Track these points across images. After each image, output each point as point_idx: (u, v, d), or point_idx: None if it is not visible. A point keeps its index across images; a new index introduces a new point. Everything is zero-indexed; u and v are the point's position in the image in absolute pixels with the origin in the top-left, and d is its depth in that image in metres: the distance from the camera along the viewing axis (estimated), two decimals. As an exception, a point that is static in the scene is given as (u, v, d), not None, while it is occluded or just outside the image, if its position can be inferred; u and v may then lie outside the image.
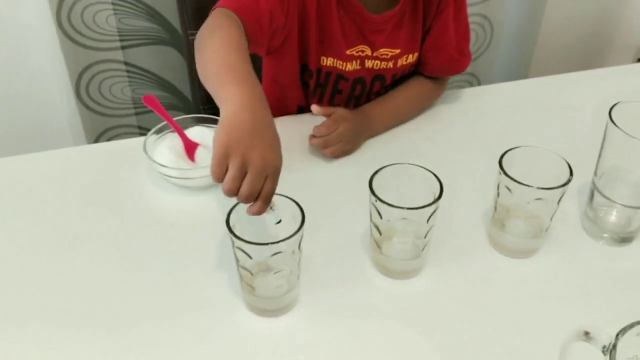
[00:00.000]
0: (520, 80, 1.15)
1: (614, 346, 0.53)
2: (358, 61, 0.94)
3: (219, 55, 0.73)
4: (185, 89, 1.58)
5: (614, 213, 0.79)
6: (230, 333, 0.67)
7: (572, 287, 0.74)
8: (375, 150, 0.94)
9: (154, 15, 1.43)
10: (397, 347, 0.66)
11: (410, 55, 0.96)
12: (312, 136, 0.91)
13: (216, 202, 0.82)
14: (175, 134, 0.88)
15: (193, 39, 1.17)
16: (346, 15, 0.91)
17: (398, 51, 0.94)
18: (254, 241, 0.62)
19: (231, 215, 0.64)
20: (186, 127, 0.89)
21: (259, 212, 0.63)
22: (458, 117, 1.02)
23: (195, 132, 0.89)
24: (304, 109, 1.02)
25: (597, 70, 1.18)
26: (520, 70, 1.79)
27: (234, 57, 0.72)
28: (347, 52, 0.93)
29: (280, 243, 0.61)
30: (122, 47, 1.46)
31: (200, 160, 0.86)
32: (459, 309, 0.71)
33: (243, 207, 0.64)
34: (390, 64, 0.95)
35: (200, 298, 0.71)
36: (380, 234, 0.71)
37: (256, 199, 0.62)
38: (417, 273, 0.74)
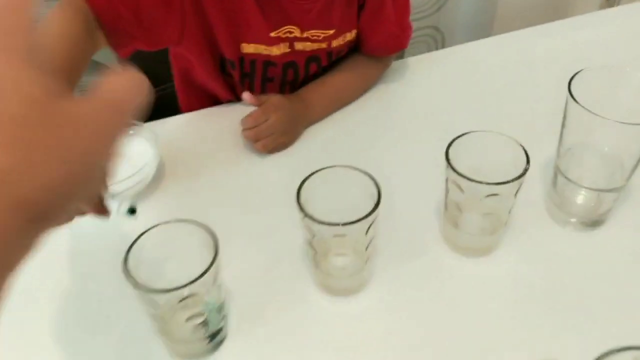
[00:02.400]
0: (480, 40, 1.04)
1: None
2: (287, 44, 0.83)
3: None
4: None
5: (581, 195, 0.70)
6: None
7: (539, 284, 0.65)
8: (316, 141, 0.84)
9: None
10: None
11: (348, 34, 0.85)
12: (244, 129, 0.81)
13: (141, 218, 0.72)
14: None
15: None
16: None
17: (332, 32, 0.83)
18: (159, 280, 0.52)
19: (129, 257, 0.54)
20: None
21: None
22: (406, 91, 0.92)
23: None
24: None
25: (564, 21, 1.07)
26: (484, 20, 1.68)
27: None
28: (272, 34, 0.81)
29: (190, 285, 0.52)
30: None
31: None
32: (414, 320, 0.62)
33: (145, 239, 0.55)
34: (324, 45, 0.84)
35: (120, 339, 0.62)
36: (315, 251, 0.62)
37: None
38: (362, 287, 0.65)
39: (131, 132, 0.79)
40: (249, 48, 0.82)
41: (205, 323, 0.58)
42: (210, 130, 0.86)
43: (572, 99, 0.63)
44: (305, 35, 0.82)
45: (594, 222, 0.71)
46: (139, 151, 0.76)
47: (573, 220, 0.71)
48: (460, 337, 0.61)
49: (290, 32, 0.82)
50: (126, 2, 0.72)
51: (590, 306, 0.63)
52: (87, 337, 0.62)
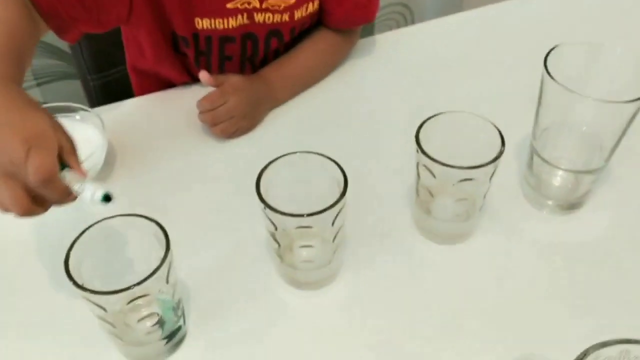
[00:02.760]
0: (448, 15, 1.00)
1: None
2: (245, 15, 0.77)
3: None
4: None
5: (559, 177, 0.67)
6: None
7: (516, 271, 0.62)
8: (279, 124, 0.79)
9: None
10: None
11: (310, 4, 0.80)
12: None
13: (87, 214, 0.67)
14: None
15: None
16: None
17: (293, 1, 0.78)
18: (104, 281, 0.47)
19: (72, 254, 0.49)
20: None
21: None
22: (374, 71, 0.88)
23: None
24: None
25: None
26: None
27: None
28: (229, 5, 0.75)
29: (140, 286, 0.47)
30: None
31: (61, 161, 0.70)
32: (386, 312, 0.59)
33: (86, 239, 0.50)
34: (286, 17, 0.79)
35: (70, 340, 0.57)
36: (278, 244, 0.57)
37: None
38: (331, 280, 0.61)
39: (77, 117, 0.73)
40: (203, 23, 0.76)
41: (160, 323, 0.53)
42: (163, 115, 0.81)
43: (548, 76, 0.59)
44: (264, 5, 0.77)
45: (571, 205, 0.68)
46: (85, 138, 0.70)
47: (550, 203, 0.68)
48: (435, 328, 0.57)
49: (249, 3, 0.76)
50: None
51: (568, 293, 0.60)
52: (30, 343, 0.57)
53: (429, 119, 0.60)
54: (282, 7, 0.77)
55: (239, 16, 0.77)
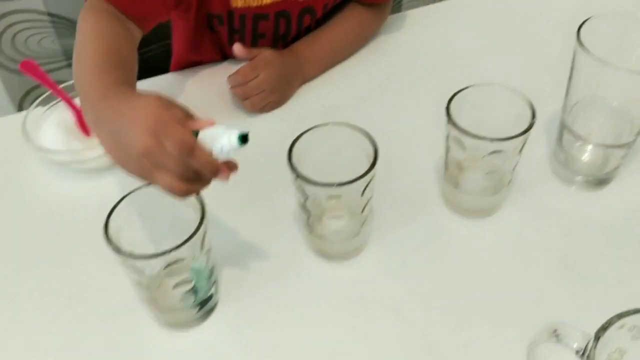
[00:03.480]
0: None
1: (594, 347, 0.42)
2: None
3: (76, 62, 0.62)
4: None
5: (588, 152, 0.67)
6: (137, 343, 0.56)
7: (543, 246, 0.62)
8: (309, 98, 0.80)
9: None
10: (346, 336, 0.55)
11: None
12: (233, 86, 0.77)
13: (125, 184, 0.69)
14: (64, 105, 0.73)
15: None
16: None
17: None
18: (144, 246, 0.49)
19: (111, 221, 0.51)
20: (76, 95, 0.74)
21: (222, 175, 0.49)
22: (405, 45, 0.88)
23: (88, 100, 0.74)
24: None
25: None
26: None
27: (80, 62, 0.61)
28: None
29: (175, 251, 0.49)
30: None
31: (97, 133, 0.71)
32: (413, 285, 0.59)
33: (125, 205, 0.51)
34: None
35: (107, 309, 0.59)
36: (308, 215, 0.58)
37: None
38: (358, 252, 0.62)
39: (113, 91, 0.74)
40: (238, 1, 0.77)
41: (194, 290, 0.55)
42: (196, 90, 0.82)
43: (581, 48, 0.59)
44: None
45: (600, 181, 0.68)
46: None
47: (578, 178, 0.68)
48: (462, 301, 0.58)
49: None
50: None
51: (595, 267, 0.60)
52: (68, 308, 0.59)
53: (459, 91, 0.60)
54: None
55: None
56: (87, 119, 0.57)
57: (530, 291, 0.59)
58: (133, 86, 0.60)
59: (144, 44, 1.08)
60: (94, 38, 0.63)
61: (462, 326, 0.56)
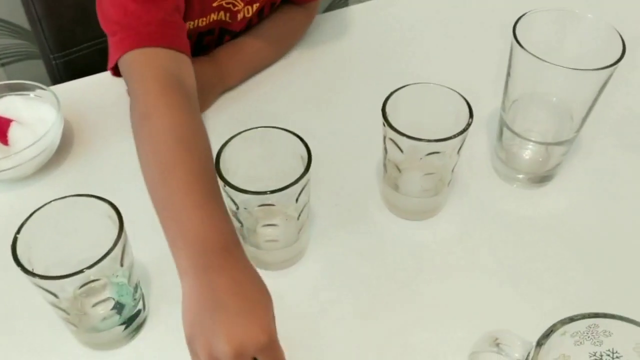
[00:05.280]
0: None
1: (536, 357, 0.40)
2: (228, 14, 0.74)
3: (152, 176, 0.51)
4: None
5: (528, 150, 0.66)
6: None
7: (486, 246, 0.61)
8: (237, 103, 0.75)
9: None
10: (287, 346, 0.52)
11: None
12: None
13: (49, 192, 0.63)
14: (-23, 112, 0.68)
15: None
16: None
17: None
18: (56, 266, 0.45)
19: (20, 238, 0.46)
20: (-7, 100, 0.69)
21: None
22: (340, 44, 0.85)
23: (5, 105, 0.69)
24: None
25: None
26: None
27: (170, 179, 0.50)
28: (214, 4, 0.72)
29: (92, 269, 0.45)
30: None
31: (15, 140, 0.66)
32: (355, 292, 0.57)
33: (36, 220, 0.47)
34: (262, 1, 0.76)
35: (24, 329, 0.55)
36: (241, 224, 0.55)
37: None
38: (297, 259, 0.60)
39: (32, 95, 0.70)
40: (188, 24, 0.72)
41: (118, 308, 0.51)
42: (122, 93, 0.77)
43: (517, 45, 0.57)
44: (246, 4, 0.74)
45: (542, 178, 0.67)
46: (40, 117, 0.67)
47: (520, 176, 0.66)
48: (406, 307, 0.56)
49: (234, 5, 0.73)
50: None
51: (538, 267, 0.59)
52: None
53: (395, 91, 0.58)
54: None
55: (221, 13, 0.73)
56: (184, 241, 0.47)
57: (473, 293, 0.57)
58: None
59: (68, 45, 1.04)
60: (178, 139, 0.52)
61: (404, 332, 0.54)
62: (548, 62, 0.55)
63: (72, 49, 1.04)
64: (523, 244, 0.61)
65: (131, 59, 0.59)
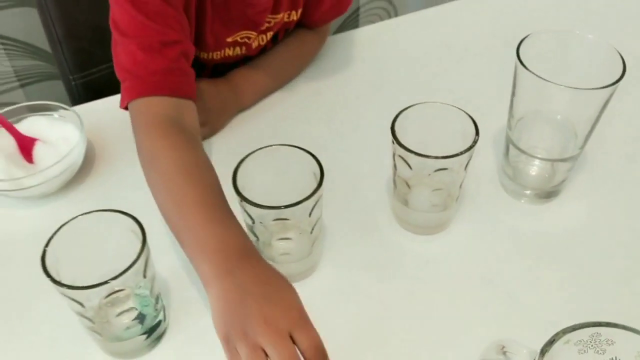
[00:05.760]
0: (428, 8, 1.01)
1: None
2: (243, 47, 0.78)
3: (167, 208, 0.56)
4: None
5: (535, 166, 0.68)
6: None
7: (494, 260, 0.63)
8: (252, 122, 0.78)
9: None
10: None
11: (294, 12, 0.80)
12: None
13: (73, 208, 0.66)
14: (3, 131, 0.71)
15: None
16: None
17: (280, 15, 0.78)
18: (84, 276, 0.48)
19: (49, 249, 0.49)
20: (18, 120, 0.72)
21: None
22: (352, 64, 0.88)
23: (31, 125, 0.72)
24: None
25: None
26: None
27: (184, 207, 0.54)
28: (228, 39, 0.76)
29: (115, 280, 0.47)
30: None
31: (40, 159, 0.70)
32: (366, 305, 0.59)
33: (64, 234, 0.50)
34: (276, 29, 0.79)
35: (49, 341, 0.57)
36: (257, 238, 0.57)
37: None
38: (310, 273, 0.62)
39: (56, 116, 0.73)
40: (201, 55, 0.76)
41: (140, 318, 0.54)
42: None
43: (521, 65, 0.60)
44: (261, 29, 0.77)
45: (548, 194, 0.68)
46: (64, 136, 0.70)
47: (527, 192, 0.68)
48: (415, 318, 0.58)
49: (248, 38, 0.77)
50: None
51: (544, 280, 0.61)
52: (10, 339, 0.57)
53: (404, 110, 0.61)
54: (272, 23, 0.78)
55: (237, 48, 0.77)
56: (205, 255, 0.51)
57: (480, 305, 0.59)
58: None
59: (88, 66, 1.07)
60: (184, 174, 0.57)
61: (414, 341, 0.56)
62: (551, 82, 0.58)
63: (91, 69, 1.08)
64: (530, 257, 0.63)
65: (137, 108, 0.64)
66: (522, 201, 0.69)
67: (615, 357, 0.46)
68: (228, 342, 0.46)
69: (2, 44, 1.33)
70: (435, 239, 0.65)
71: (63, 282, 0.47)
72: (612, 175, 0.71)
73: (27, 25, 1.34)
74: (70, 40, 1.03)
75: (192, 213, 0.53)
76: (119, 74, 0.66)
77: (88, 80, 1.09)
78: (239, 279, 0.48)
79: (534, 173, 0.68)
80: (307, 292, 0.60)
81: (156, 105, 0.63)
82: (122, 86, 0.65)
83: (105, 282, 0.47)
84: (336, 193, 0.67)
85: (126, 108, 0.66)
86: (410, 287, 0.61)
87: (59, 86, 1.50)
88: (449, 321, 0.58)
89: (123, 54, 0.65)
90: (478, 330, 0.56)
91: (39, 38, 1.35)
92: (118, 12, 0.64)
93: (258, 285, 0.48)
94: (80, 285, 0.47)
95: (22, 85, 1.48)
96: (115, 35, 0.65)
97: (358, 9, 1.65)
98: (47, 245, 0.49)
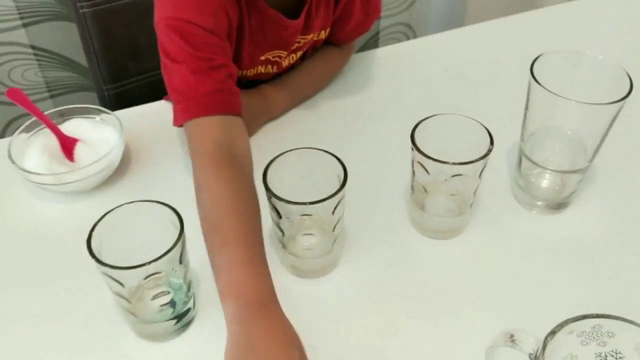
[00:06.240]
0: (448, 31, 1.06)
1: (543, 351, 0.46)
2: (274, 66, 0.83)
3: (205, 234, 0.61)
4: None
5: (546, 178, 0.71)
6: (117, 353, 0.58)
7: (506, 267, 0.66)
8: (280, 131, 0.83)
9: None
10: (317, 350, 0.58)
11: (323, 32, 0.85)
12: None
13: (105, 206, 0.71)
14: (49, 131, 0.76)
15: (83, 12, 1.05)
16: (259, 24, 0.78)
17: (310, 35, 0.83)
18: (124, 261, 0.52)
19: (93, 234, 0.53)
20: (61, 122, 0.78)
21: None
22: (375, 80, 0.93)
23: (73, 126, 0.77)
24: None
25: (527, 14, 1.09)
26: (455, 16, 1.70)
27: (220, 240, 0.60)
28: (262, 57, 0.81)
29: (154, 263, 0.52)
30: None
31: (80, 158, 0.75)
32: (378, 307, 0.63)
33: (107, 221, 0.55)
34: (306, 48, 0.85)
35: (87, 322, 0.61)
36: (282, 233, 0.62)
37: None
38: (330, 269, 0.65)
39: (97, 119, 0.78)
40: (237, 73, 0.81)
41: (172, 303, 0.58)
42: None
43: (534, 81, 0.64)
44: (292, 48, 0.82)
45: (558, 205, 0.72)
46: (104, 138, 0.75)
47: (539, 203, 0.72)
48: (428, 313, 0.62)
49: (280, 57, 0.82)
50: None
51: (551, 284, 0.64)
52: (50, 323, 0.62)
53: (423, 120, 0.65)
54: (302, 43, 0.83)
55: (269, 66, 0.82)
56: (229, 296, 0.56)
57: (491, 301, 0.63)
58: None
59: (120, 77, 1.13)
60: (225, 209, 0.61)
61: (427, 335, 0.60)
62: (562, 97, 0.62)
63: (122, 81, 1.14)
64: (540, 262, 0.66)
65: (190, 131, 0.68)
66: (534, 212, 0.72)
67: (616, 349, 0.49)
68: None
69: (36, 54, 1.39)
70: (449, 244, 0.69)
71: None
72: (620, 187, 0.75)
73: (63, 38, 1.40)
74: (106, 53, 1.09)
75: (226, 251, 0.58)
76: (171, 95, 0.70)
77: (120, 91, 1.14)
78: (252, 330, 0.53)
79: (545, 185, 0.72)
80: (326, 287, 0.64)
81: (208, 127, 0.67)
82: (176, 107, 0.70)
83: (145, 264, 0.51)
84: (358, 197, 0.71)
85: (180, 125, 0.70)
86: (424, 286, 0.64)
87: (87, 98, 1.56)
88: (460, 316, 0.61)
89: (175, 77, 0.69)
90: (488, 324, 0.59)
91: (73, 51, 1.41)
92: (167, 42, 0.68)
93: (266, 343, 0.52)
94: (122, 266, 0.51)
95: (51, 96, 1.54)
96: (165, 61, 0.69)
97: (378, 32, 1.71)
98: (92, 229, 0.54)
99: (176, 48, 0.68)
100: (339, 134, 0.82)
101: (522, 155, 0.71)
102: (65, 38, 1.39)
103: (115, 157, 0.74)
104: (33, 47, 1.37)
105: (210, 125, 0.67)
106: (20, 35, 1.33)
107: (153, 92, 0.99)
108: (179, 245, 0.53)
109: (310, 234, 0.64)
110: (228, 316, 0.55)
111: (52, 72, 1.47)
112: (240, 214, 0.61)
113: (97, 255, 0.52)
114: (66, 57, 1.46)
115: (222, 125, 0.68)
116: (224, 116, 0.68)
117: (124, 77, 1.14)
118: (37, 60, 1.40)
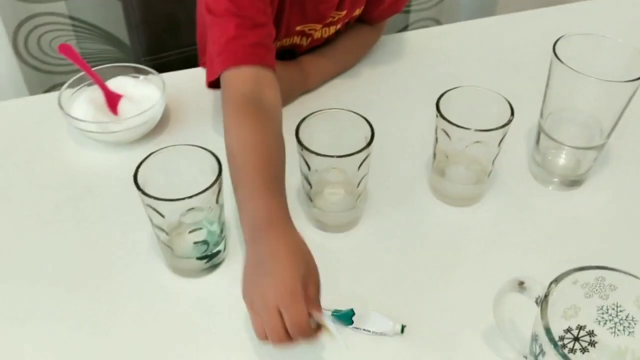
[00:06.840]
0: (479, 18, 1.09)
1: (545, 296, 0.49)
2: (308, 38, 0.88)
3: (230, 172, 0.64)
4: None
5: (563, 156, 0.75)
6: (151, 286, 0.63)
7: (518, 235, 0.70)
8: (311, 102, 0.88)
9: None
10: (340, 297, 0.62)
11: (357, 10, 0.90)
12: None
13: (144, 155, 0.76)
14: (96, 86, 0.81)
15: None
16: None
17: (344, 12, 0.87)
18: (166, 197, 0.56)
19: (140, 171, 0.58)
20: (108, 78, 0.83)
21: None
22: (400, 62, 0.97)
23: (118, 83, 0.82)
24: None
25: (559, 7, 1.12)
26: (484, 11, 1.73)
27: (241, 175, 0.63)
28: (297, 28, 0.85)
29: (194, 198, 0.56)
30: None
31: (123, 112, 0.80)
32: (397, 261, 0.67)
33: (153, 160, 0.59)
34: (339, 24, 0.89)
35: (125, 260, 0.66)
36: (310, 186, 0.66)
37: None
38: (352, 225, 0.70)
39: (141, 78, 0.83)
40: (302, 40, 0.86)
41: (205, 242, 0.62)
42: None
43: (556, 59, 0.67)
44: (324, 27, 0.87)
45: (573, 182, 0.75)
46: (147, 95, 0.80)
47: (555, 179, 0.75)
48: (441, 271, 0.66)
49: (314, 30, 0.86)
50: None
51: (560, 250, 0.68)
52: (96, 256, 0.67)
53: (448, 90, 0.69)
54: (335, 19, 0.87)
55: (303, 37, 0.87)
56: (245, 224, 0.60)
57: (500, 265, 0.66)
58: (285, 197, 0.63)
59: (158, 50, 1.18)
60: (246, 151, 0.64)
61: (440, 290, 0.64)
62: (582, 74, 0.65)
63: (160, 54, 1.19)
64: (551, 233, 0.70)
65: (224, 81, 0.72)
66: (550, 188, 0.76)
67: (617, 303, 0.53)
68: (245, 297, 0.56)
69: (73, 25, 1.43)
70: (466, 211, 0.72)
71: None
72: (634, 165, 0.78)
73: (97, 8, 1.44)
74: (146, 26, 1.14)
75: (246, 182, 0.62)
76: (211, 49, 0.74)
77: (157, 63, 1.19)
78: (259, 250, 0.57)
79: (561, 162, 0.75)
80: (348, 242, 0.69)
81: (242, 77, 0.71)
82: (214, 60, 0.73)
83: (185, 198, 0.56)
84: (382, 161, 0.75)
85: (210, 86, 0.72)
86: (439, 246, 0.68)
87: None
88: (472, 271, 0.66)
89: (217, 34, 0.73)
90: (497, 277, 0.62)
91: (111, 24, 1.46)
92: (213, 2, 0.73)
93: (269, 261, 0.55)
94: (165, 197, 0.56)
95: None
96: (209, 20, 0.74)
97: (407, 26, 1.74)
98: (138, 166, 0.58)
99: (221, 6, 0.72)
100: (365, 107, 0.86)
101: (540, 131, 0.74)
102: (105, 11, 1.44)
103: (157, 113, 0.79)
104: (71, 18, 1.41)
105: (244, 75, 0.71)
106: (60, 7, 1.38)
107: (188, 66, 1.04)
108: (217, 184, 0.58)
109: (336, 192, 0.68)
110: (245, 240, 0.59)
111: (89, 43, 1.51)
112: (261, 154, 0.64)
113: (142, 188, 0.57)
114: (104, 29, 1.51)
115: (254, 76, 0.72)
116: (258, 67, 0.72)
117: (161, 50, 1.19)
118: (75, 31, 1.44)
